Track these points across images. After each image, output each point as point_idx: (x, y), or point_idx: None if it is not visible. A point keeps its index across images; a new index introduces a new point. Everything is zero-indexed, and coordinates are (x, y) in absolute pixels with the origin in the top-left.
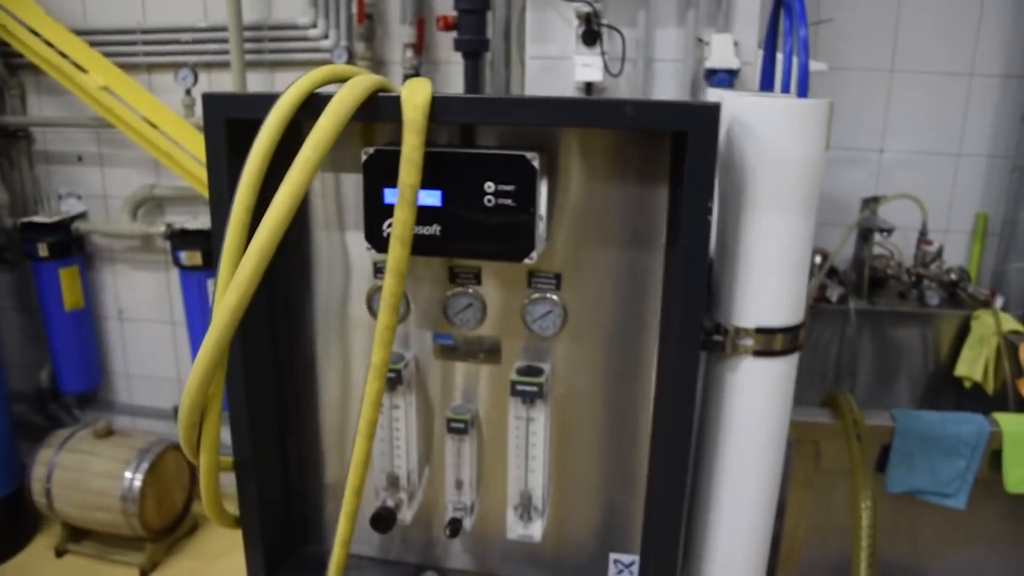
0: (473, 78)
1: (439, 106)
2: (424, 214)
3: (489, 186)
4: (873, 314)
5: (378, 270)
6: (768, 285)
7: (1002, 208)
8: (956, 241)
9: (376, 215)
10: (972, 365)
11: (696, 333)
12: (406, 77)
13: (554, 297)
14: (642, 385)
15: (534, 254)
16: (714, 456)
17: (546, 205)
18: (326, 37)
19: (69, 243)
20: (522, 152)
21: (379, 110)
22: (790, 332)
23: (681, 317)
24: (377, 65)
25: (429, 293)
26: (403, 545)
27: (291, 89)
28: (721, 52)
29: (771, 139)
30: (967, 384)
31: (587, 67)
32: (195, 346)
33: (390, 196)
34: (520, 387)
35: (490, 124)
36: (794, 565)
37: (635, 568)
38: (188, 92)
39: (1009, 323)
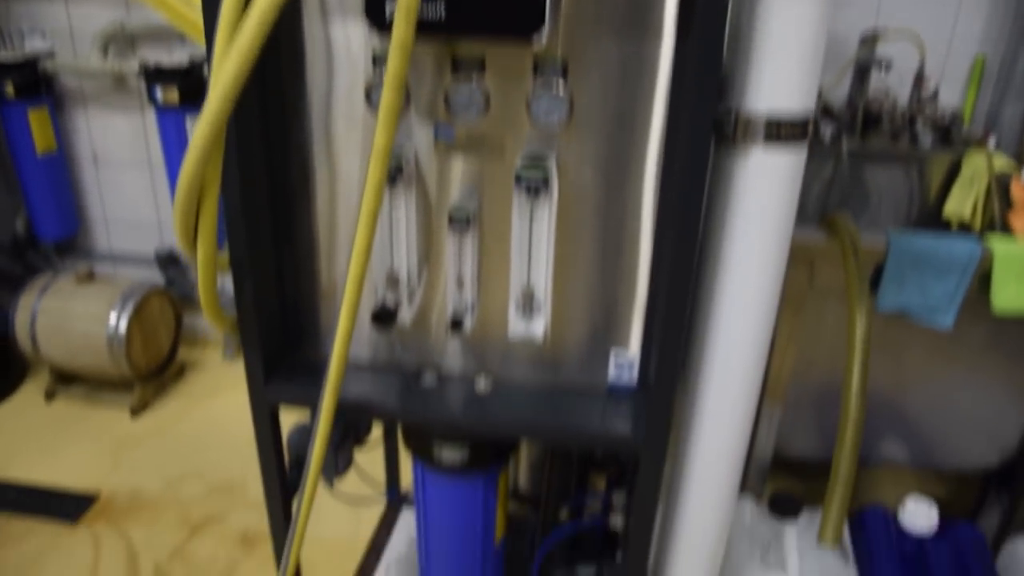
0: None
1: None
2: None
3: None
4: (865, 153)
5: (377, 61)
6: (780, 69)
7: (1001, 50)
8: (952, 84)
9: None
10: (961, 204)
11: (706, 120)
12: None
13: (560, 87)
14: (644, 178)
15: (544, 31)
16: (718, 252)
17: None
18: None
19: (37, 83)
20: None
21: None
22: (800, 122)
23: (695, 104)
24: None
25: (431, 85)
26: (402, 349)
27: None
28: None
29: None
30: (954, 226)
31: None
32: (175, 189)
33: None
34: (524, 178)
35: None
36: (779, 396)
37: (635, 364)
38: None
39: (1001, 163)
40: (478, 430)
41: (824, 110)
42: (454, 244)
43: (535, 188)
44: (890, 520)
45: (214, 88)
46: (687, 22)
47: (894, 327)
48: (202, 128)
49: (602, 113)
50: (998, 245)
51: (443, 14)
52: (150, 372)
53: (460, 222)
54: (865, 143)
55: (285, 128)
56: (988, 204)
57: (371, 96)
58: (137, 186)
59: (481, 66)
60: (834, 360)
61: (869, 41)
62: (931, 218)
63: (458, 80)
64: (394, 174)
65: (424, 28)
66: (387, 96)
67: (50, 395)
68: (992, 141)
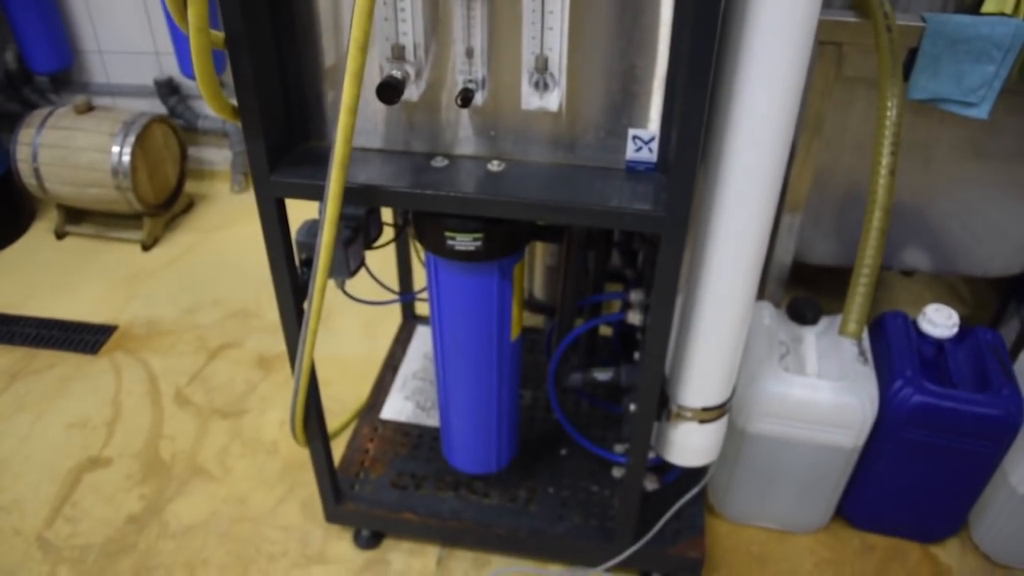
0: None
1: None
2: None
3: None
4: None
5: None
6: None
7: None
8: None
9: None
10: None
11: None
12: None
13: None
14: None
15: None
16: (742, 18)
17: None
18: None
19: None
20: None
21: None
22: None
23: None
24: None
25: None
26: (411, 130)
27: None
28: None
29: None
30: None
31: None
32: (170, 17)
33: None
34: None
35: None
36: (802, 197)
37: (655, 144)
38: None
39: None
40: (492, 210)
41: None
42: (462, 9)
43: None
44: (910, 324)
45: None
46: None
47: (923, 123)
48: None
49: None
50: None
51: None
52: (158, 205)
53: None
54: None
55: None
56: None
57: None
58: (131, 14)
59: None
60: (861, 158)
61: None
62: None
63: None
64: None
65: None
66: None
67: (60, 234)
68: None
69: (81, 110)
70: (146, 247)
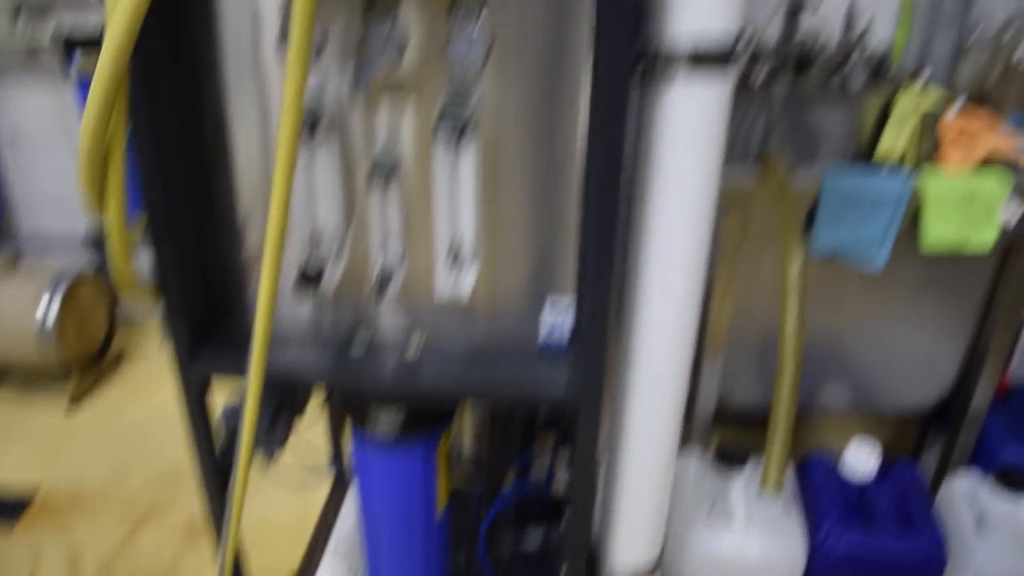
0: None
1: None
2: None
3: None
4: (800, 94)
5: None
6: None
7: None
8: (884, 19)
9: None
10: (894, 141)
11: (624, 56)
12: None
13: (478, 27)
14: (573, 121)
15: None
16: (647, 192)
17: None
18: None
19: None
20: None
21: None
22: (722, 52)
23: (607, 40)
24: None
25: (346, 28)
26: (331, 312)
27: None
28: None
29: None
30: (889, 163)
31: None
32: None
33: None
34: (444, 124)
35: None
36: (720, 345)
37: (567, 324)
38: None
39: (930, 99)
40: (410, 395)
41: (757, 53)
42: (377, 199)
43: (456, 132)
44: (833, 466)
45: (111, 22)
46: None
47: (829, 270)
48: (100, 75)
49: (525, 52)
50: (928, 182)
51: None
52: (86, 360)
53: (382, 173)
54: (799, 84)
55: (199, 81)
56: (921, 140)
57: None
58: (61, 165)
59: (396, 6)
60: (775, 306)
61: None
62: (869, 156)
63: (373, 22)
64: (312, 125)
65: None
66: (296, 32)
67: None
68: (924, 76)
69: (7, 266)
70: (73, 403)
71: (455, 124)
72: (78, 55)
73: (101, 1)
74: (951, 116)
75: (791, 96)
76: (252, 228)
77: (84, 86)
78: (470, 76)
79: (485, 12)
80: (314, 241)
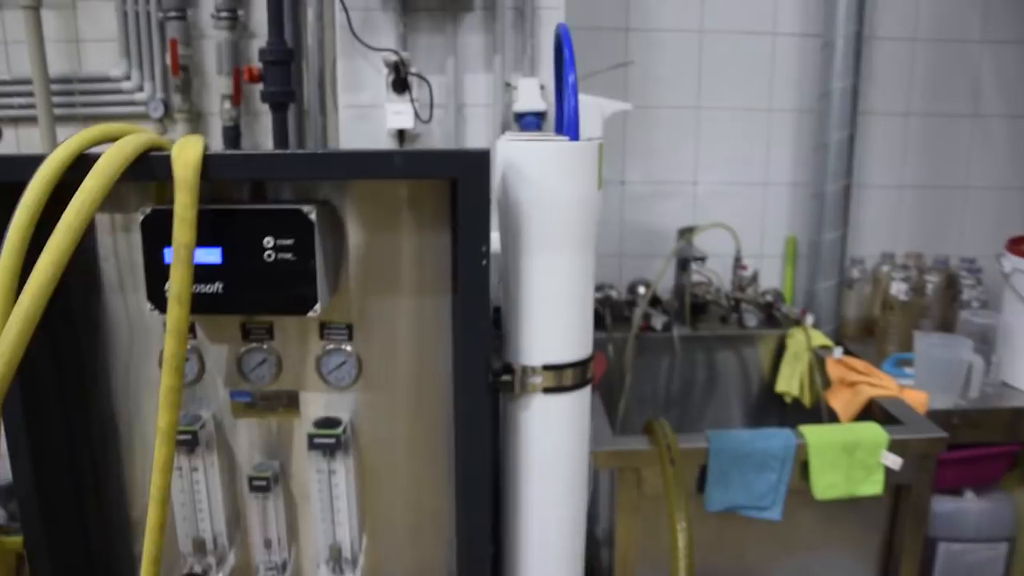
0: (281, 128)
1: (211, 163)
2: (206, 272)
3: (268, 241)
4: (697, 339)
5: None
6: (551, 322)
7: (808, 231)
8: (770, 264)
9: (156, 275)
10: (789, 381)
11: (482, 376)
12: (225, 129)
13: (347, 348)
14: (443, 428)
15: (318, 307)
16: (517, 493)
17: (329, 257)
18: (141, 90)
19: None
20: (298, 206)
21: (152, 169)
22: (577, 367)
23: (464, 360)
24: (195, 117)
25: (223, 350)
26: None
27: (58, 150)
28: (528, 95)
29: (541, 181)
30: (788, 399)
31: (398, 114)
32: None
33: (169, 256)
34: (317, 440)
35: (262, 179)
36: None
37: None
38: None
39: (819, 339)
40: None
41: (653, 301)
42: (258, 507)
43: (330, 449)
44: None
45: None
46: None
47: (729, 521)
48: None
49: (394, 369)
50: (811, 435)
51: (222, 292)
52: None
53: (261, 485)
54: (696, 328)
55: (85, 401)
56: (813, 379)
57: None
58: None
59: (270, 332)
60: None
61: (687, 234)
62: (768, 393)
63: (249, 345)
64: (191, 443)
65: (205, 304)
66: (166, 378)
67: None
68: (809, 319)
69: None
70: None
71: (325, 440)
72: None
73: None
74: (831, 363)
75: (690, 339)
76: (139, 537)
77: None
78: (342, 392)
79: (351, 340)
80: (197, 547)
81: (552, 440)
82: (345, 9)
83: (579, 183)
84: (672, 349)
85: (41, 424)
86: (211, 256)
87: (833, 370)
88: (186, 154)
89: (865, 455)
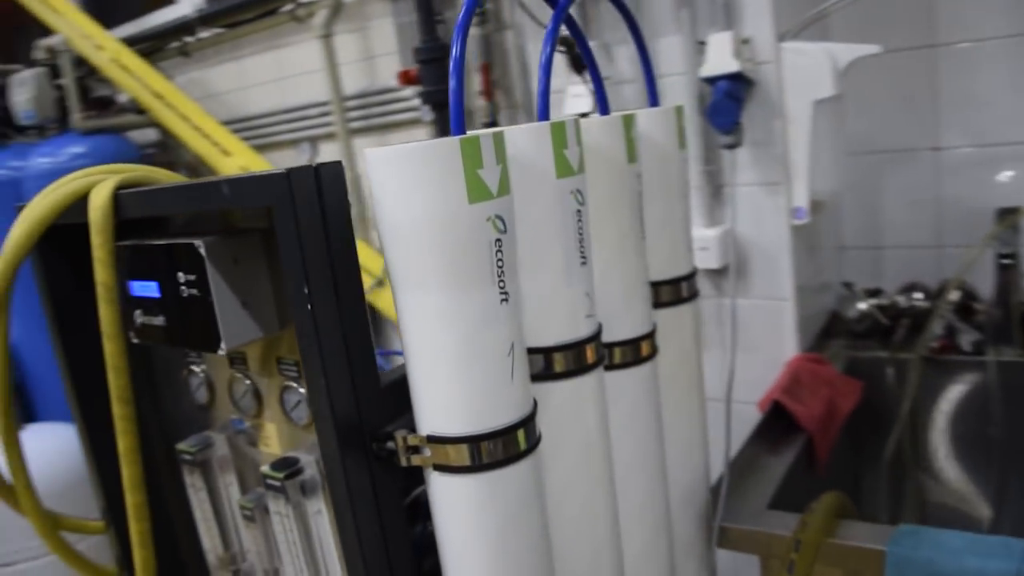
0: (444, 130)
1: (121, 202)
2: (151, 305)
3: (180, 276)
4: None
5: None
6: (427, 380)
7: None
8: None
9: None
10: None
11: (355, 438)
12: (484, 126)
13: (300, 388)
14: None
15: (223, 344)
16: None
17: (257, 291)
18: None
19: None
20: (190, 240)
21: (80, 212)
22: (476, 441)
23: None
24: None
25: (225, 377)
26: None
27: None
28: (718, 55)
29: (383, 198)
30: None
31: (577, 97)
32: None
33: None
34: (268, 480)
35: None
36: None
37: None
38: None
39: None
40: None
41: (966, 310)
42: (249, 536)
43: (277, 491)
44: None
45: None
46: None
47: None
48: None
49: None
50: None
51: (164, 326)
52: None
53: (247, 515)
54: None
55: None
56: None
57: None
58: None
59: (244, 362)
60: None
61: (1009, 216)
62: None
63: (234, 375)
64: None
65: (154, 338)
66: (115, 408)
67: None
68: None
69: None
70: None
71: (274, 479)
72: None
73: None
74: None
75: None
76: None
77: None
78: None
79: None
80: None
81: (459, 528)
82: None
83: (436, 197)
84: (986, 380)
85: None
86: (150, 290)
87: None
88: (97, 197)
89: None
